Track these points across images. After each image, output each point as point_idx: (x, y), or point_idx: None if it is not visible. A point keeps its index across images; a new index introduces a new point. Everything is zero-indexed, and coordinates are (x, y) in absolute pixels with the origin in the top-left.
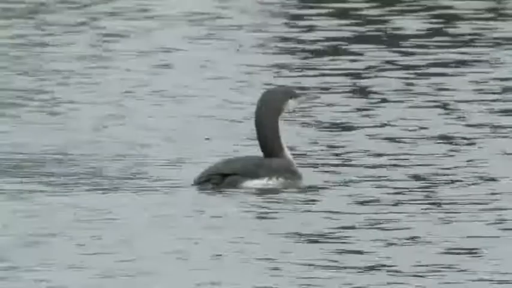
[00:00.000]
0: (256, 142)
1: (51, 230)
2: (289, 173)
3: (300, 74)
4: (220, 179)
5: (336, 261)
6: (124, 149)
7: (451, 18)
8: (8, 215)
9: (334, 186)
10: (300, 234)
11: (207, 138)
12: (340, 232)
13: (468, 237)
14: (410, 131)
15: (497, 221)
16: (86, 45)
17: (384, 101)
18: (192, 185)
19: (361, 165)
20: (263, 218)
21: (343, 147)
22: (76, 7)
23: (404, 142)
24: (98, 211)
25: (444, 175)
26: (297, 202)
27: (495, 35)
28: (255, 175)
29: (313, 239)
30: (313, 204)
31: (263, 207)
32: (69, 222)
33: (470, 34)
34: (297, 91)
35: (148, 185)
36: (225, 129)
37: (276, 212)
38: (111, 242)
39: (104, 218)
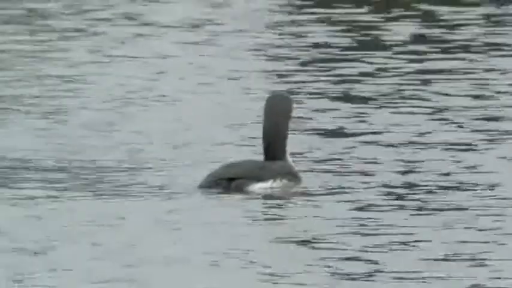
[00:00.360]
0: (253, 146)
1: (53, 236)
2: (292, 176)
3: (294, 79)
4: (227, 183)
5: (334, 267)
6: (126, 154)
7: (446, 24)
8: (10, 221)
9: (333, 191)
10: (299, 240)
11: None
12: (339, 238)
13: (467, 242)
14: (407, 137)
15: (497, 227)
16: (85, 51)
17: (380, 107)
18: (199, 188)
19: (358, 171)
20: (264, 223)
21: (339, 153)
22: (74, 13)
23: (402, 148)
24: (101, 216)
25: (442, 181)
26: (297, 208)
27: (490, 40)
28: (260, 178)
29: (312, 245)
30: (312, 209)
31: (264, 213)
32: (72, 228)
33: (465, 40)
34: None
35: (152, 190)
36: (222, 133)
37: (275, 218)
38: (115, 247)
39: (107, 224)
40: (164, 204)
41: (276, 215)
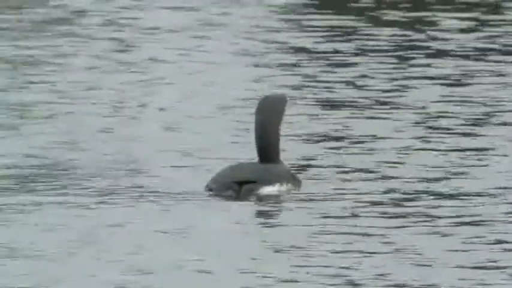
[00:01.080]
0: (242, 149)
1: (61, 244)
2: (295, 181)
3: (285, 84)
4: (238, 186)
5: (330, 275)
6: (127, 159)
7: (436, 30)
8: (16, 229)
9: (328, 197)
10: (295, 247)
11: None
12: (336, 245)
13: (463, 251)
14: (396, 144)
15: (489, 234)
16: (83, 56)
17: (369, 113)
18: (212, 192)
19: (348, 178)
20: (262, 230)
21: (331, 159)
22: (71, 19)
23: (395, 154)
24: (107, 224)
25: (437, 188)
26: (295, 213)
27: (479, 45)
28: (269, 182)
29: (307, 252)
30: (309, 215)
31: (265, 219)
32: (80, 236)
33: (456, 46)
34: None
35: (152, 194)
36: (218, 137)
37: (275, 225)
38: (119, 253)
39: (113, 231)
40: (168, 210)
41: (276, 221)
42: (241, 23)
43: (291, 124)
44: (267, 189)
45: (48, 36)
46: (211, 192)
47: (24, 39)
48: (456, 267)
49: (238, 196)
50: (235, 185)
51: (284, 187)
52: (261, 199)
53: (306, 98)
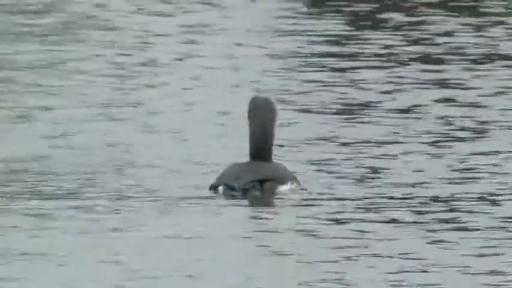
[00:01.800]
0: (239, 151)
1: (62, 248)
2: (297, 180)
3: (280, 89)
4: (259, 184)
5: (322, 280)
6: (128, 164)
7: (432, 35)
8: (16, 233)
9: (321, 203)
10: (288, 252)
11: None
12: (326, 250)
13: (457, 256)
14: (393, 148)
15: (484, 240)
16: (88, 61)
17: (365, 117)
18: (233, 191)
19: (344, 182)
20: (258, 235)
21: (324, 163)
22: (77, 23)
23: (388, 159)
24: (107, 228)
25: (431, 193)
26: (294, 216)
27: (480, 50)
28: (284, 180)
29: (302, 258)
30: (303, 221)
31: (258, 226)
32: (80, 240)
33: (453, 50)
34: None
35: (157, 200)
36: (214, 140)
37: (266, 231)
38: (122, 259)
39: (114, 236)
40: (167, 214)
41: (274, 226)
42: (236, 28)
43: (287, 128)
44: (283, 188)
45: (46, 40)
46: (234, 192)
47: (23, 43)
48: (457, 272)
49: (262, 194)
50: (256, 183)
51: (294, 186)
52: (272, 198)
53: (300, 102)
